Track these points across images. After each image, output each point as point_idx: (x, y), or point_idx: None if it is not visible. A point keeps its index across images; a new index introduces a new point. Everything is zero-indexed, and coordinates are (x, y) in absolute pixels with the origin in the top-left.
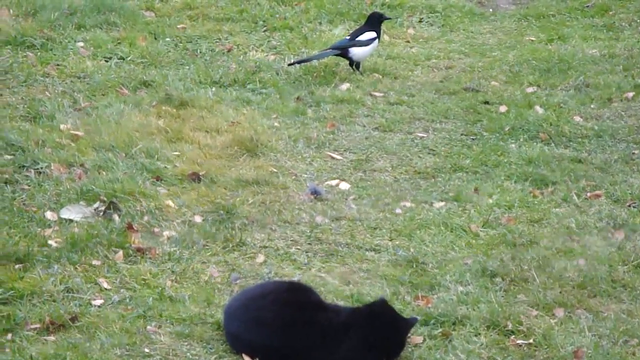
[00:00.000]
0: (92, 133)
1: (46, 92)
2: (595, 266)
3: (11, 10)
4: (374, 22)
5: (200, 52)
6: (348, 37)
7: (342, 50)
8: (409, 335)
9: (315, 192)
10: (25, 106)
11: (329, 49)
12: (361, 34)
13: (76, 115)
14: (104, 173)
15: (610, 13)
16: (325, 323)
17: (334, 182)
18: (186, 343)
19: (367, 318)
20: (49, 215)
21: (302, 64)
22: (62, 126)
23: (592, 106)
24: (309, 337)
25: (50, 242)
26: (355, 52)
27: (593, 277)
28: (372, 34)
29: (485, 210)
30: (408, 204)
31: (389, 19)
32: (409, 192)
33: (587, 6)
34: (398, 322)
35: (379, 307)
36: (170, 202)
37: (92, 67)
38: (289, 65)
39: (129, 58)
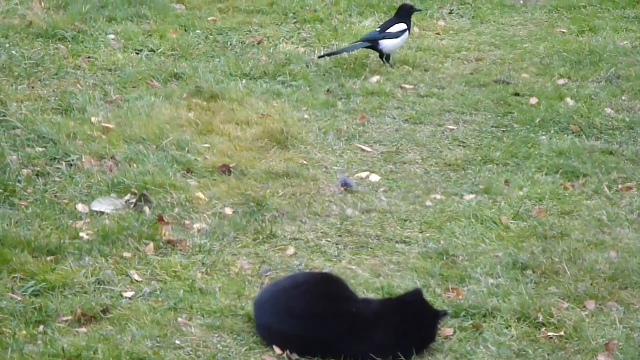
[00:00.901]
0: (123, 126)
1: (77, 85)
2: (627, 259)
3: (43, 3)
4: (405, 14)
5: (231, 45)
6: (378, 30)
7: (372, 43)
8: (438, 327)
9: (345, 185)
10: (57, 99)
11: (359, 41)
12: (391, 26)
13: (107, 108)
14: (135, 165)
15: None
16: (355, 313)
17: (364, 175)
18: (217, 335)
19: (397, 309)
20: (80, 207)
21: (332, 56)
22: (93, 119)
23: (623, 98)
24: (340, 327)
25: (81, 234)
26: (386, 44)
27: (624, 270)
28: (403, 26)
29: (516, 203)
30: (438, 197)
31: (419, 10)
32: (440, 185)
33: None
34: (428, 314)
35: (410, 299)
36: (200, 195)
37: (123, 59)
38: (319, 57)
39: (160, 50)
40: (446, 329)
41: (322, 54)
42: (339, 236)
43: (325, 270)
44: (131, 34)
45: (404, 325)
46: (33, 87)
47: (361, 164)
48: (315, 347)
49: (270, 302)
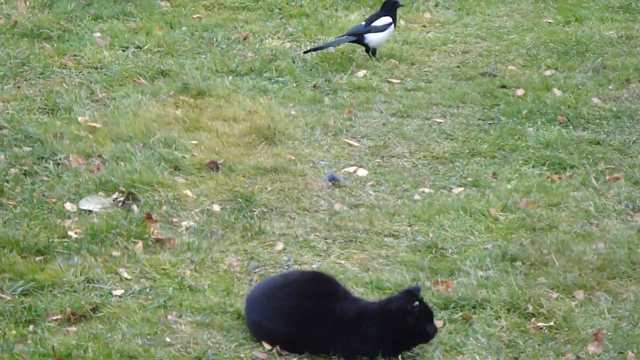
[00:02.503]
0: (109, 124)
1: (63, 84)
2: (615, 249)
3: (27, 2)
4: (390, 7)
5: (217, 41)
6: (363, 23)
7: (357, 37)
8: (427, 328)
9: (333, 179)
10: (43, 98)
11: (345, 35)
12: (376, 19)
13: (93, 107)
14: (122, 164)
15: None
16: (340, 314)
17: (351, 169)
18: (206, 332)
19: (377, 311)
20: (68, 206)
21: (318, 51)
22: (79, 118)
23: (610, 87)
24: (324, 327)
25: (70, 233)
26: (371, 38)
27: (612, 260)
28: (388, 19)
29: (503, 195)
30: (426, 190)
31: (402, 5)
32: (427, 178)
33: None
34: (410, 318)
35: (395, 302)
36: (188, 192)
37: (109, 57)
38: (305, 52)
39: (146, 47)
40: (435, 321)
41: (308, 49)
42: (328, 231)
43: (314, 266)
44: (117, 32)
45: (386, 328)
46: (19, 87)
47: (348, 159)
48: (301, 344)
49: (259, 300)
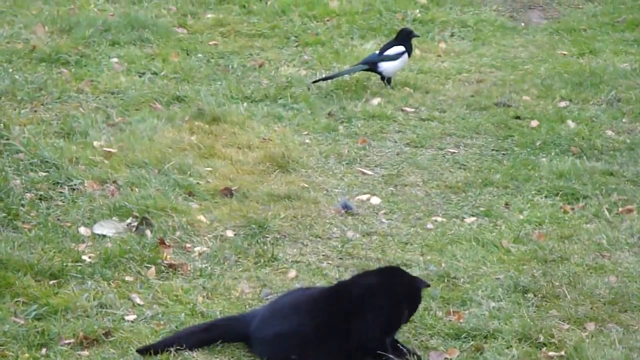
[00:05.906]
0: (125, 150)
1: (80, 109)
2: (627, 283)
3: (46, 27)
4: (403, 37)
5: (232, 68)
6: (377, 52)
7: (371, 65)
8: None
9: (346, 207)
10: (59, 122)
11: (359, 64)
12: (389, 48)
13: (109, 132)
14: (136, 189)
15: None
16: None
17: (364, 197)
18: (218, 359)
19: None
20: (82, 230)
21: (333, 79)
22: (95, 143)
23: (624, 120)
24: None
25: (84, 257)
26: (385, 66)
27: (624, 294)
28: (401, 49)
29: (516, 226)
30: (439, 219)
31: (418, 36)
32: (440, 207)
33: (618, 21)
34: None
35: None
36: (202, 217)
37: (126, 82)
38: (313, 82)
39: (162, 73)
40: (451, 350)
41: (317, 78)
42: (340, 259)
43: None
44: (134, 57)
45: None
46: (36, 111)
47: (362, 187)
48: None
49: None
